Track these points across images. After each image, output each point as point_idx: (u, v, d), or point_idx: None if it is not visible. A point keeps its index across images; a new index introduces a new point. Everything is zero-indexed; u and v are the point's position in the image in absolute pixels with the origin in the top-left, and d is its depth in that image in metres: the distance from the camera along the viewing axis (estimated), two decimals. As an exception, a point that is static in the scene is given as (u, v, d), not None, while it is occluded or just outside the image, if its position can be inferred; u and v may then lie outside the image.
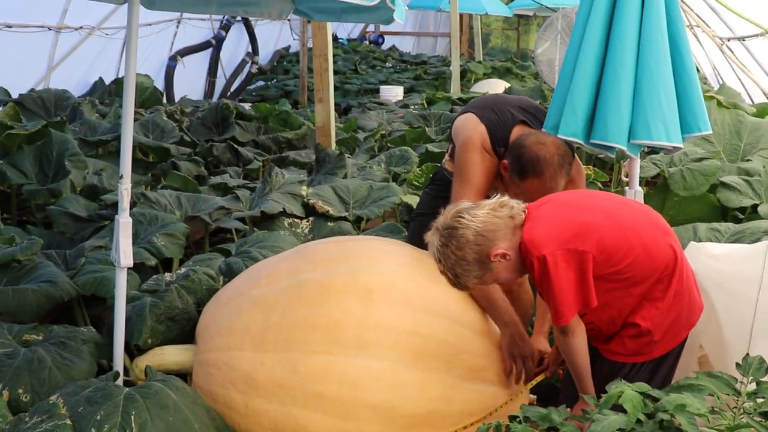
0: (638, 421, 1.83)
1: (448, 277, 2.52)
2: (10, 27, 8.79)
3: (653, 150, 4.89)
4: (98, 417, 2.35)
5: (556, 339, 2.69)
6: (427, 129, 7.64)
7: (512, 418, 2.07)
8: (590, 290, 2.42)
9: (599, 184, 5.30)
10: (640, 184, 3.48)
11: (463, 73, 13.34)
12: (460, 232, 2.42)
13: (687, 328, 2.60)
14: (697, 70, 9.06)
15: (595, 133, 3.15)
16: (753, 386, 2.18)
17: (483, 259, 2.43)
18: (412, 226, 3.63)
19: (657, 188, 5.21)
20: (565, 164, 2.92)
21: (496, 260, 2.44)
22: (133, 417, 2.36)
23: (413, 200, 4.82)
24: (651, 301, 2.51)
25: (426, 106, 10.25)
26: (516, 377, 2.88)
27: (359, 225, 4.87)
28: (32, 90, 8.71)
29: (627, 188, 3.46)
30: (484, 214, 2.43)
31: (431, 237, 2.50)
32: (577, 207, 2.55)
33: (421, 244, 3.19)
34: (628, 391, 1.85)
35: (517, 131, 3.10)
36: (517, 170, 2.91)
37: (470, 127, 3.16)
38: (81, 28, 10.14)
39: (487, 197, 2.87)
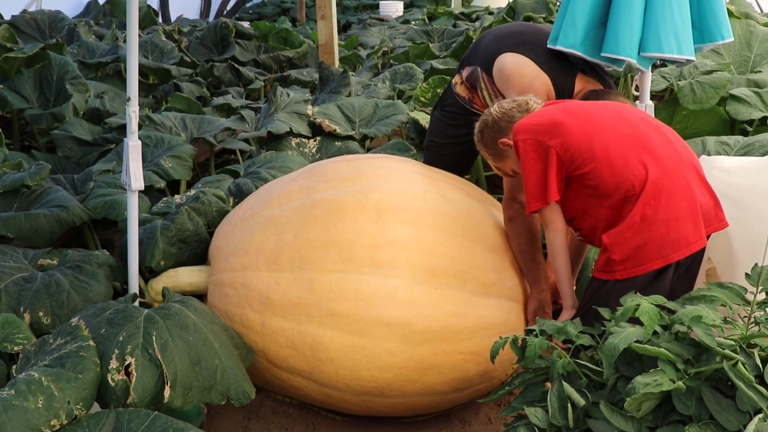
0: (654, 333, 1.86)
1: (488, 160, 2.88)
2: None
3: (663, 63, 4.84)
4: (120, 338, 2.38)
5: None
6: (430, 45, 7.52)
7: (528, 331, 2.11)
8: (550, 185, 2.58)
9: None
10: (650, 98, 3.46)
11: (464, -13, 13.05)
12: (486, 118, 2.80)
13: (659, 260, 2.49)
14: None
15: (606, 46, 3.11)
16: (762, 296, 2.21)
17: (495, 144, 2.76)
18: (428, 156, 3.59)
19: (666, 102, 5.16)
20: None
21: (505, 148, 2.73)
22: (154, 338, 2.40)
23: (421, 116, 4.78)
24: (619, 219, 2.53)
25: (427, 21, 10.07)
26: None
27: (365, 143, 4.85)
28: (25, 11, 8.54)
29: (637, 102, 3.43)
30: (508, 105, 2.77)
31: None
32: (565, 110, 2.67)
33: (435, 166, 3.20)
34: (644, 304, 1.88)
35: (580, 82, 3.08)
36: (551, 102, 2.90)
37: (530, 75, 3.09)
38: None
39: None
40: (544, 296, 2.90)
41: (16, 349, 2.51)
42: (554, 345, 2.05)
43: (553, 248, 2.68)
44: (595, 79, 3.18)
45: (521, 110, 2.73)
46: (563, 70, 3.11)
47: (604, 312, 2.07)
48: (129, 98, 2.92)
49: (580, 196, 2.60)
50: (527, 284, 2.94)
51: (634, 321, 1.95)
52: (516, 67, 3.13)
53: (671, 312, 2.01)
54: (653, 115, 3.39)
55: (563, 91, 3.09)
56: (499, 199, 3.44)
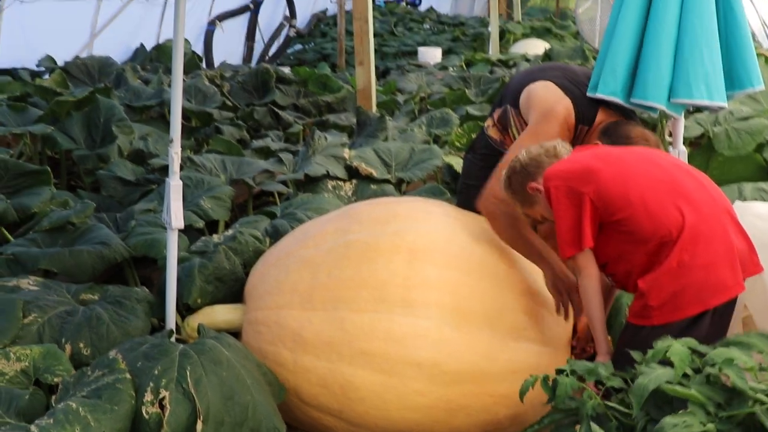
0: (685, 375, 1.86)
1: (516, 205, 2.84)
2: (54, -6, 8.91)
3: (697, 109, 4.84)
4: (156, 372, 2.44)
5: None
6: (467, 91, 7.61)
7: (559, 371, 2.12)
8: (584, 232, 2.56)
9: (642, 145, 5.25)
10: (684, 144, 3.46)
11: (502, 34, 13.19)
12: (513, 164, 2.78)
13: (697, 306, 2.48)
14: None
15: (636, 92, 3.13)
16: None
17: (525, 191, 2.73)
18: (460, 198, 3.63)
19: (701, 148, 5.15)
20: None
21: (534, 194, 2.70)
22: (188, 372, 2.46)
23: (455, 161, 4.83)
24: (655, 265, 2.52)
25: (465, 67, 10.19)
26: (565, 312, 2.93)
27: (401, 187, 4.91)
28: (77, 57, 8.85)
29: (671, 148, 3.45)
30: (536, 151, 2.75)
31: (502, 172, 2.85)
32: (597, 156, 2.69)
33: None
34: (675, 345, 1.88)
35: (602, 113, 3.11)
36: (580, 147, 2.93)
37: (553, 98, 3.10)
38: (122, -7, 10.25)
39: None
40: (553, 267, 2.91)
41: (56, 380, 2.58)
42: (584, 386, 2.06)
43: (587, 294, 2.67)
44: (617, 113, 3.18)
45: (549, 156, 2.72)
46: (587, 98, 3.13)
47: (636, 355, 2.08)
48: (172, 140, 3.02)
49: (614, 241, 2.60)
50: (558, 317, 2.94)
51: (666, 364, 1.95)
52: (541, 90, 3.15)
53: (702, 355, 2.01)
54: (687, 162, 3.40)
55: (584, 119, 3.10)
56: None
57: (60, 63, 8.56)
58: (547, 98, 3.11)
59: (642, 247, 2.54)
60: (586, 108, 3.11)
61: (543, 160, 2.71)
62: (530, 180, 2.71)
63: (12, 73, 8.12)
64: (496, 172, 3.00)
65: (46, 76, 8.22)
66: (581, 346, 3.03)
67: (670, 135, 3.47)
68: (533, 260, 2.95)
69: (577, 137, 3.12)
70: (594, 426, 1.87)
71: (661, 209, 2.52)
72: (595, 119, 3.12)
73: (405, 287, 2.78)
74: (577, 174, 2.61)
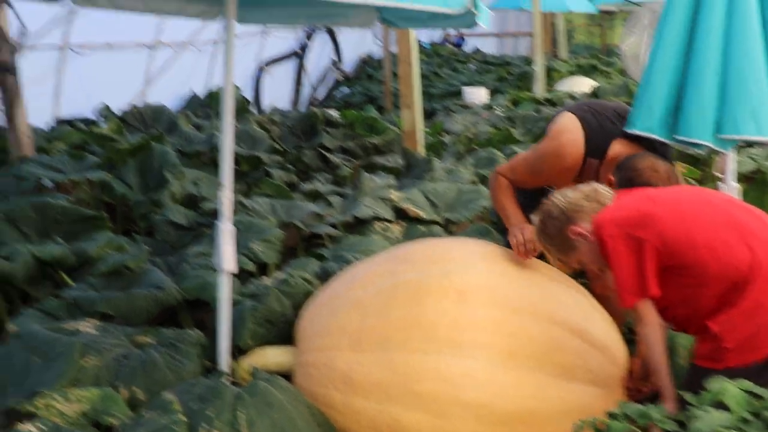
0: (743, 419, 1.82)
1: (547, 252, 2.81)
2: (111, 46, 9.23)
3: (750, 143, 4.78)
4: (209, 414, 2.49)
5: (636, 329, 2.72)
6: (512, 130, 7.64)
7: (610, 415, 2.10)
8: (648, 279, 2.48)
9: (692, 181, 5.20)
10: (737, 180, 3.42)
11: (548, 72, 13.21)
12: (549, 208, 2.71)
13: None
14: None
15: (679, 128, 3.12)
16: None
17: (565, 235, 2.66)
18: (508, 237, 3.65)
19: (755, 184, 5.08)
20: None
21: (576, 239, 2.64)
22: (241, 414, 2.50)
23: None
24: (726, 306, 2.45)
25: (511, 107, 10.22)
26: (521, 247, 3.04)
27: (449, 228, 4.93)
28: (132, 105, 9.13)
29: (721, 184, 3.41)
30: (575, 195, 2.69)
31: (534, 217, 2.80)
32: (650, 198, 2.63)
33: None
34: (731, 388, 1.85)
35: (617, 145, 3.10)
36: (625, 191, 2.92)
37: (567, 133, 3.16)
38: (174, 43, 10.56)
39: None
40: (515, 226, 3.13)
41: (112, 421, 2.65)
42: (636, 430, 2.03)
43: (651, 344, 2.58)
44: (638, 145, 3.15)
45: (590, 200, 2.66)
46: (604, 132, 3.13)
47: (690, 397, 2.04)
48: (223, 185, 3.10)
49: (676, 285, 2.52)
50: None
51: (722, 407, 1.92)
52: (558, 119, 3.25)
53: (760, 398, 1.97)
54: (741, 198, 3.36)
55: (595, 151, 3.10)
56: (584, 284, 3.44)
57: (116, 111, 8.84)
58: (561, 131, 3.19)
59: (709, 290, 2.47)
60: (599, 141, 3.10)
61: (583, 204, 2.65)
62: (570, 225, 2.65)
63: (72, 122, 8.41)
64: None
65: (104, 125, 8.50)
66: (636, 386, 2.99)
67: (721, 171, 3.43)
68: (505, 220, 3.27)
69: (586, 170, 3.13)
70: (647, 469, 1.85)
71: (728, 249, 2.45)
72: (607, 152, 3.10)
73: (454, 328, 2.79)
74: (634, 220, 2.53)
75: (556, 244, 2.72)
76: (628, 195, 2.72)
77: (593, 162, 3.09)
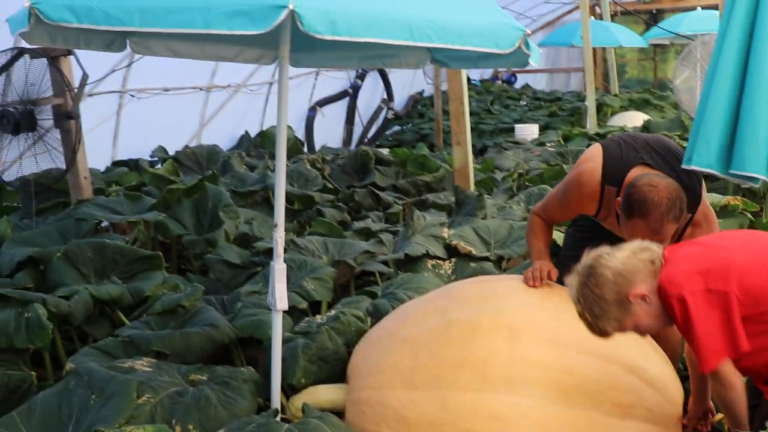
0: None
1: (586, 320, 2.52)
2: (167, 90, 9.49)
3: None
4: (262, 451, 2.50)
5: (711, 388, 2.60)
6: (564, 166, 7.59)
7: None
8: (738, 334, 2.33)
9: (749, 215, 5.10)
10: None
11: (599, 108, 13.14)
12: (600, 271, 2.45)
13: None
14: None
15: (734, 163, 3.07)
16: None
17: (622, 299, 2.43)
18: (561, 272, 3.63)
19: (814, 217, 4.96)
20: (675, 211, 2.84)
21: (635, 301, 2.43)
22: (294, 451, 2.50)
23: (557, 236, 4.80)
24: None
25: (562, 142, 10.17)
26: (532, 279, 3.09)
27: (501, 264, 4.91)
28: (186, 146, 9.34)
29: (778, 218, 3.34)
30: (624, 255, 2.47)
31: (571, 279, 2.54)
32: (716, 246, 2.52)
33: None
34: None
35: (635, 172, 3.07)
36: (624, 208, 2.91)
37: (587, 159, 3.20)
38: (228, 86, 10.81)
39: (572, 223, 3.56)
40: (535, 264, 3.18)
41: (168, 459, 2.67)
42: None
43: (735, 408, 2.43)
44: (657, 171, 3.10)
45: (641, 258, 2.47)
46: (622, 159, 3.11)
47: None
48: (276, 224, 3.15)
49: (753, 333, 2.39)
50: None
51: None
52: (587, 150, 3.31)
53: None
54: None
55: (611, 179, 3.07)
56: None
57: (171, 152, 9.07)
58: (584, 157, 3.24)
59: None
60: (618, 169, 3.07)
61: (637, 264, 2.46)
62: (630, 288, 2.44)
63: (129, 164, 8.64)
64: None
65: (159, 166, 8.71)
66: (692, 425, 2.92)
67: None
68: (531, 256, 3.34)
69: (605, 198, 3.11)
70: None
71: None
72: (624, 180, 3.07)
73: (506, 365, 2.77)
74: (714, 273, 2.39)
75: (611, 310, 2.45)
76: (684, 248, 2.59)
77: (611, 190, 3.06)
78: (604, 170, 3.11)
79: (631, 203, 2.87)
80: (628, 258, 2.46)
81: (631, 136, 3.29)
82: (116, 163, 8.76)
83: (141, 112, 9.24)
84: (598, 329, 2.51)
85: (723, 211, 5.06)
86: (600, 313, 2.46)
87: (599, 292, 2.43)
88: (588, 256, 2.52)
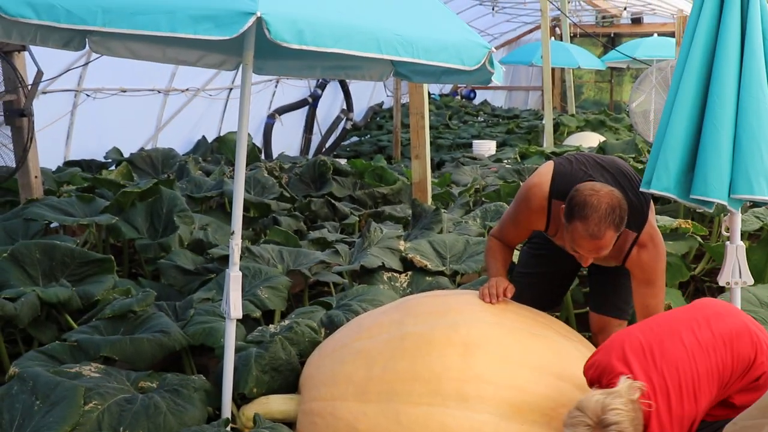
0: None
1: None
2: (124, 91, 9.37)
3: (755, 203, 4.80)
4: (212, 461, 2.46)
5: None
6: (521, 183, 7.66)
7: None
8: None
9: (698, 238, 5.20)
10: (741, 238, 3.43)
11: (556, 127, 13.33)
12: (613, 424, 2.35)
13: None
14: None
15: (695, 188, 3.14)
16: None
17: None
18: (513, 284, 3.66)
19: (761, 242, 5.08)
20: (615, 218, 2.87)
21: None
22: (244, 462, 2.47)
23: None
24: None
25: (519, 160, 10.29)
26: (489, 295, 3.12)
27: (455, 279, 4.93)
28: (142, 149, 9.22)
29: (728, 243, 3.42)
30: (617, 401, 2.38)
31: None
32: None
33: (523, 301, 3.25)
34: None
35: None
36: (566, 211, 2.94)
37: (537, 174, 3.24)
38: (187, 90, 10.71)
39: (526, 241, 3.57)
40: (491, 280, 3.20)
41: (114, 468, 2.62)
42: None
43: None
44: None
45: (626, 405, 2.36)
46: (571, 175, 3.13)
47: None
48: (233, 232, 3.12)
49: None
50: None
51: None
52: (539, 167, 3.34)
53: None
54: (745, 256, 3.37)
55: (559, 193, 3.09)
56: (588, 338, 3.43)
57: (126, 154, 8.93)
58: (536, 172, 3.28)
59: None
60: (565, 184, 3.07)
61: (628, 411, 2.36)
62: None
63: (81, 164, 8.49)
64: None
65: (113, 167, 8.58)
66: None
67: (727, 230, 3.44)
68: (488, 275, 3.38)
69: (553, 213, 3.12)
70: None
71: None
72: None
73: (460, 380, 2.78)
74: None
75: None
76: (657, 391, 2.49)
77: (559, 204, 3.08)
78: (552, 185, 3.14)
79: (572, 206, 2.91)
80: (623, 406, 2.36)
81: (583, 155, 3.33)
82: (69, 163, 8.61)
83: (96, 112, 9.10)
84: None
85: (673, 234, 5.16)
86: None
87: None
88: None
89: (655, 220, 3.29)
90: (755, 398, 2.45)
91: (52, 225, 5.77)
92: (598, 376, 2.54)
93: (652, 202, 3.26)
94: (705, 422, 2.55)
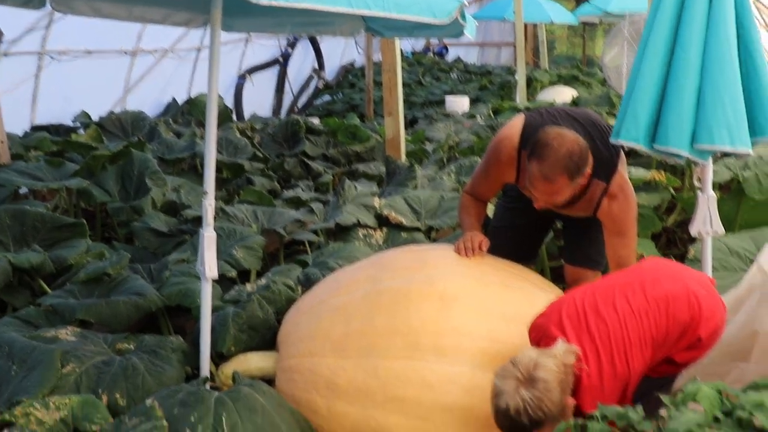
0: (715, 418, 1.86)
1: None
2: (90, 53, 9.18)
3: (726, 154, 4.84)
4: (192, 419, 2.48)
5: None
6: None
7: (590, 416, 2.12)
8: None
9: (671, 190, 5.26)
10: (713, 189, 3.47)
11: (529, 82, 13.30)
12: (540, 389, 2.37)
13: None
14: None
15: (658, 138, 3.16)
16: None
17: (563, 402, 2.41)
18: (489, 238, 3.68)
19: (731, 193, 5.15)
20: (570, 165, 2.87)
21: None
22: (224, 419, 2.49)
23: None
24: None
25: (492, 116, 10.27)
26: (464, 249, 3.14)
27: (431, 235, 4.95)
28: (111, 112, 9.08)
29: (699, 193, 3.46)
30: (551, 365, 2.41)
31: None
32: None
33: (499, 254, 3.28)
34: (704, 389, 1.88)
35: None
36: (528, 150, 2.96)
37: (507, 126, 3.24)
38: (155, 51, 10.53)
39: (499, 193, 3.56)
40: (465, 236, 3.20)
41: (94, 428, 2.62)
42: (615, 431, 2.05)
43: None
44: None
45: (558, 367, 2.40)
46: (541, 126, 3.11)
47: (666, 399, 2.07)
48: (206, 192, 3.10)
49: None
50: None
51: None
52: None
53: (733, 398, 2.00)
54: (716, 207, 3.41)
55: (528, 141, 3.09)
56: (564, 289, 3.47)
57: (95, 118, 8.80)
58: (503, 126, 3.27)
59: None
60: (534, 134, 3.06)
61: (558, 372, 2.40)
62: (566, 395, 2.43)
63: (49, 128, 8.35)
64: None
65: (82, 131, 8.45)
66: None
67: (699, 180, 3.47)
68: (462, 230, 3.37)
69: (522, 164, 3.14)
70: (628, 471, 1.87)
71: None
72: None
73: (436, 334, 2.80)
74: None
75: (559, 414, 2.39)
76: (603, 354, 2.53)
77: (528, 155, 3.10)
78: (522, 136, 3.14)
79: (534, 145, 2.92)
80: (552, 367, 2.40)
81: (555, 108, 3.34)
82: (36, 128, 8.46)
83: (62, 75, 8.92)
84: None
85: (646, 186, 5.21)
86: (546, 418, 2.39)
87: (546, 406, 2.37)
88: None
89: (627, 172, 3.31)
90: (696, 356, 2.53)
91: (21, 190, 5.69)
92: (539, 339, 2.62)
93: (623, 153, 3.28)
94: (650, 378, 2.60)
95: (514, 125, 3.20)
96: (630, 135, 3.15)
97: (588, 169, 2.98)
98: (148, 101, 10.62)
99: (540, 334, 2.61)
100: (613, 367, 2.46)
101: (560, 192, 2.93)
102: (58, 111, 8.94)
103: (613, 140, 3.19)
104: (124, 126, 8.50)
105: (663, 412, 2.01)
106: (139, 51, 10.22)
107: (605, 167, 3.10)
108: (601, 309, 2.55)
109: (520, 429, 2.39)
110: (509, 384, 2.39)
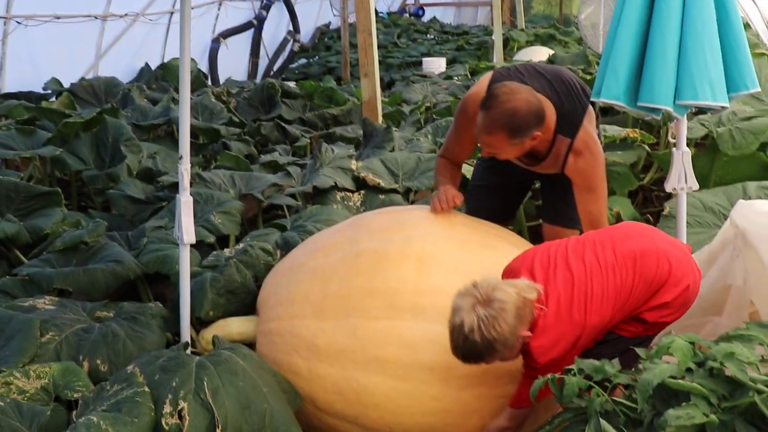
0: (688, 369, 1.90)
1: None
2: (58, 18, 9.03)
3: (700, 110, 4.87)
4: (173, 384, 2.49)
5: None
6: (470, 99, 7.65)
7: (566, 370, 2.15)
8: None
9: (646, 147, 5.29)
10: (688, 145, 3.49)
11: (506, 42, 13.26)
12: (494, 327, 2.42)
13: None
14: (748, 27, 8.88)
15: (642, 95, 3.17)
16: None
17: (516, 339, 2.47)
18: (470, 203, 3.70)
19: (706, 149, 5.19)
20: (511, 122, 2.86)
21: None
22: (205, 383, 2.50)
23: (464, 169, 4.87)
24: None
25: (470, 76, 10.25)
26: (439, 202, 3.11)
27: (409, 196, 4.96)
28: (82, 78, 8.96)
29: (674, 149, 3.48)
30: (511, 300, 2.46)
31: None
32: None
33: (477, 215, 3.29)
34: (678, 341, 1.92)
35: None
36: (481, 102, 2.97)
37: (473, 87, 3.22)
38: (126, 15, 10.37)
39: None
40: (440, 191, 3.16)
41: (75, 395, 2.63)
42: (592, 384, 2.09)
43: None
44: (540, 92, 3.11)
45: (518, 304, 2.45)
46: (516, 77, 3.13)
47: (641, 351, 2.12)
48: (181, 156, 3.08)
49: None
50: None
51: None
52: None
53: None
54: (690, 163, 3.44)
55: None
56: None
57: (66, 85, 8.67)
58: (472, 85, 3.24)
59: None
60: (505, 77, 3.09)
61: (516, 301, 2.46)
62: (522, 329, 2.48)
63: (19, 96, 8.22)
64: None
65: (53, 99, 8.33)
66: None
67: (674, 137, 3.50)
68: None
69: None
70: (603, 422, 1.91)
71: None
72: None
73: (415, 293, 2.82)
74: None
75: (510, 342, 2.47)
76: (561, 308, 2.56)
77: None
78: (488, 91, 3.11)
79: (485, 96, 2.93)
80: (514, 304, 2.45)
81: (524, 65, 3.31)
82: (5, 96, 8.33)
83: (30, 41, 8.77)
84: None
85: (622, 144, 5.24)
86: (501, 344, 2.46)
87: (505, 340, 2.44)
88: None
89: (595, 129, 3.31)
90: (665, 314, 2.56)
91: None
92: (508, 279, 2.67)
93: (595, 111, 3.28)
94: (623, 338, 2.63)
95: (482, 82, 3.19)
96: (611, 93, 3.14)
97: (537, 131, 2.96)
98: (121, 67, 10.49)
99: (510, 276, 2.67)
100: (570, 313, 2.50)
101: (499, 147, 2.96)
102: (28, 79, 8.81)
103: (593, 98, 3.19)
104: (97, 92, 8.40)
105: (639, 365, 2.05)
106: (110, 15, 10.06)
107: (569, 123, 3.10)
108: (571, 260, 2.60)
109: (473, 353, 2.45)
110: (467, 301, 2.45)
